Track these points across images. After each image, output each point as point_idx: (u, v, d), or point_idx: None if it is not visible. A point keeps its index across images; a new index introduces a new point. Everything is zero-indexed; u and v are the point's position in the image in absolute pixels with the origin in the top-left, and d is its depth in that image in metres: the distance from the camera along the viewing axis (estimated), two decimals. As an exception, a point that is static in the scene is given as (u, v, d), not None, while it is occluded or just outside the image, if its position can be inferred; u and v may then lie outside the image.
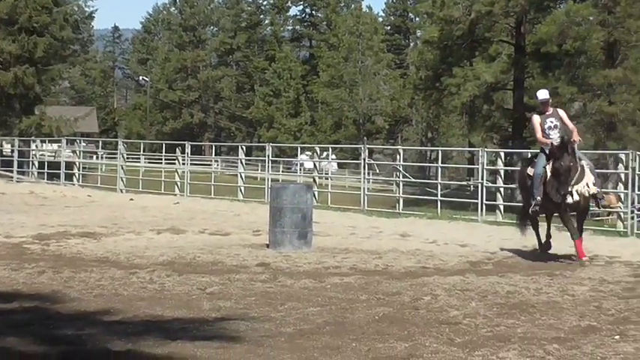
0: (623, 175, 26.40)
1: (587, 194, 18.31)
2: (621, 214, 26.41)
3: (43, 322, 11.56)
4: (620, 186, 26.92)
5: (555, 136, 18.65)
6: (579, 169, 18.22)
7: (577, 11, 54.79)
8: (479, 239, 23.01)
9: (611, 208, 28.52)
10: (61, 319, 11.58)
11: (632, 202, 25.62)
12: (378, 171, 57.72)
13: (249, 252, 19.68)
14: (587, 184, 18.23)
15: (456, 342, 10.53)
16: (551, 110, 19.17)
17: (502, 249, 21.00)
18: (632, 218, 25.40)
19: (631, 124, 52.44)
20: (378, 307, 12.86)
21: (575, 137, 18.62)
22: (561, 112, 19.43)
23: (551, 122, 19.00)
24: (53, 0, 64.70)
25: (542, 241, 19.85)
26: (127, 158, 47.42)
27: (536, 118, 19.30)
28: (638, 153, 26.28)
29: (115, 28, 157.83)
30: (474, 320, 11.89)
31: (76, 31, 69.24)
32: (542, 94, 19.29)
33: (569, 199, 18.20)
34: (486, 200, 29.45)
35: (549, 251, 19.67)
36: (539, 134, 19.11)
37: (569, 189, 18.08)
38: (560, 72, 57.51)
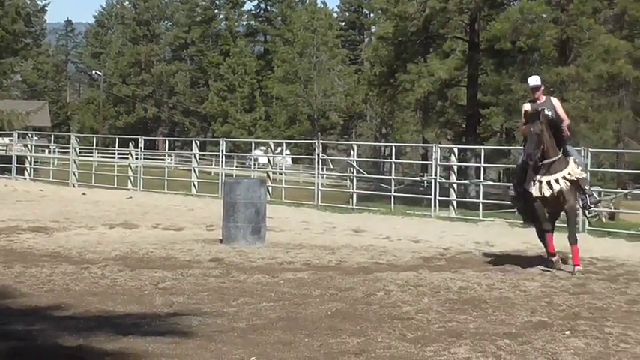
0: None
1: (558, 186, 16.44)
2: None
3: (-7, 318, 11.50)
4: (572, 182, 27.04)
5: (565, 130, 17.20)
6: (559, 159, 16.60)
7: (530, 9, 55.02)
8: (432, 235, 23.07)
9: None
10: (12, 315, 11.52)
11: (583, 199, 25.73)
12: (332, 166, 57.94)
13: (203, 247, 19.65)
14: (562, 176, 16.51)
15: (408, 337, 10.57)
16: (543, 99, 17.26)
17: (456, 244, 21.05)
18: (584, 214, 25.54)
19: (583, 121, 52.73)
20: (330, 303, 12.87)
21: (565, 130, 17.11)
22: (555, 102, 17.46)
23: (542, 110, 16.97)
24: (5, -7, 64.29)
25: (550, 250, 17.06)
26: (80, 153, 47.21)
27: (525, 107, 17.33)
28: (590, 150, 26.47)
29: (68, 22, 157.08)
30: (426, 316, 11.93)
31: (29, 24, 68.94)
32: (533, 80, 17.50)
33: (532, 190, 16.61)
34: (440, 196, 29.51)
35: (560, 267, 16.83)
36: (525, 126, 17.01)
37: (539, 177, 16.54)
38: (514, 69, 57.77)
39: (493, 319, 11.72)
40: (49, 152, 60.66)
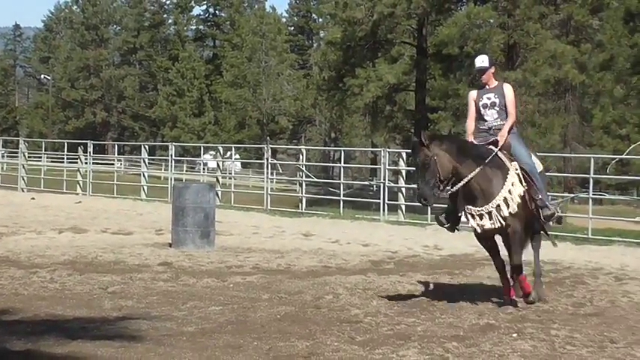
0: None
1: (482, 221, 12.80)
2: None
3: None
4: (519, 186, 27.24)
5: (492, 119, 13.33)
6: (490, 183, 12.72)
7: (477, 14, 55.23)
8: (381, 239, 23.16)
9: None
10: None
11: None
12: (281, 171, 57.81)
13: (152, 251, 19.60)
14: (497, 206, 12.62)
15: (356, 340, 10.58)
16: (494, 84, 13.55)
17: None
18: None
19: (530, 126, 53.00)
20: (280, 306, 12.88)
21: (501, 136, 13.09)
22: (507, 89, 13.51)
23: (488, 99, 13.39)
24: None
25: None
26: (29, 157, 46.94)
27: (471, 95, 13.70)
28: (537, 154, 26.61)
29: (16, 26, 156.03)
30: (374, 319, 11.95)
31: (-23, 28, 68.54)
32: (479, 61, 13.65)
33: (470, 222, 13.00)
34: (388, 200, 29.63)
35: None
36: (468, 118, 13.68)
37: (464, 209, 12.93)
38: (462, 73, 57.88)
39: (441, 322, 11.76)
40: (-2, 157, 60.29)
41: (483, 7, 55.76)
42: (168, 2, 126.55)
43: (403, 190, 30.66)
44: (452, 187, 12.89)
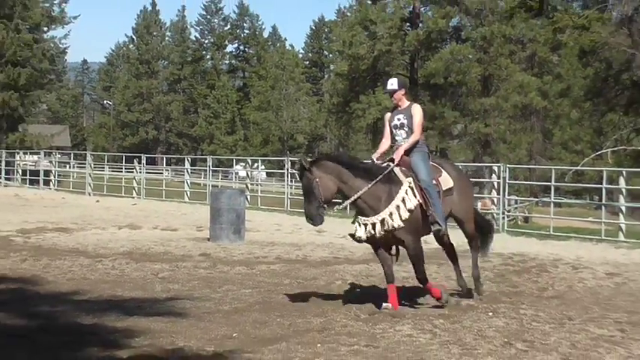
0: (496, 184, 26.68)
1: (365, 230, 11.30)
2: (494, 214, 26.65)
3: (25, 300, 11.46)
4: (494, 192, 27.23)
5: (400, 139, 11.78)
6: (378, 200, 11.19)
7: (459, 51, 55.28)
8: (380, 234, 23.08)
9: (487, 210, 28.77)
10: (40, 298, 11.49)
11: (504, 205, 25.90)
12: (298, 179, 57.72)
13: (193, 244, 19.62)
14: (395, 208, 11.12)
15: (361, 318, 10.59)
16: (405, 105, 11.96)
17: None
18: (503, 217, 25.67)
19: (502, 142, 53.04)
20: (298, 290, 12.87)
21: (397, 154, 11.59)
22: (415, 110, 11.86)
23: (398, 120, 11.90)
24: (34, 38, 64.33)
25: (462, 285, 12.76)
26: (94, 167, 46.98)
27: (385, 116, 12.22)
28: (507, 166, 26.67)
29: (84, 61, 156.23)
30: (376, 300, 11.93)
31: (52, 63, 68.78)
32: (389, 84, 12.14)
33: (357, 231, 11.46)
34: (386, 203, 29.53)
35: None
36: (383, 138, 12.13)
37: (363, 220, 11.28)
38: (446, 99, 57.95)
39: (429, 303, 11.74)
40: (69, 167, 60.24)
41: (463, 46, 55.94)
42: (206, 41, 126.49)
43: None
44: (340, 205, 11.89)
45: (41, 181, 46.12)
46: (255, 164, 53.80)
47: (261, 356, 8.38)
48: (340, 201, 11.71)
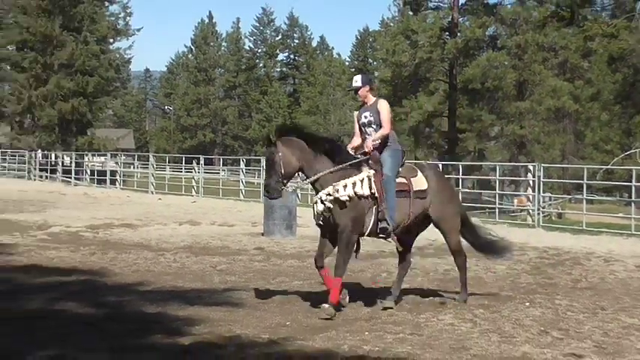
0: (531, 182, 26.53)
1: (322, 204, 10.34)
2: (530, 210, 26.45)
3: (93, 291, 11.52)
4: (529, 190, 27.06)
5: (370, 138, 10.77)
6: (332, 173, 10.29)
7: (495, 58, 55.05)
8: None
9: (523, 207, 28.57)
10: (107, 289, 11.56)
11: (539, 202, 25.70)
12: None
13: (249, 239, 19.66)
14: (327, 193, 10.24)
15: (406, 307, 10.56)
16: (372, 101, 10.97)
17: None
18: (539, 214, 25.46)
19: (537, 143, 52.65)
20: (346, 281, 12.84)
21: (366, 145, 10.70)
22: (382, 105, 10.89)
23: (365, 117, 10.99)
24: (101, 49, 65.13)
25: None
26: (156, 168, 47.31)
27: (355, 115, 11.41)
28: (542, 165, 26.43)
29: (147, 70, 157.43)
30: (419, 291, 11.89)
31: (118, 72, 69.52)
32: (353, 81, 11.18)
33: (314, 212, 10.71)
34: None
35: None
36: (354, 136, 11.20)
37: (320, 195, 10.36)
38: (483, 103, 57.74)
39: (470, 294, 11.66)
40: (133, 168, 60.74)
41: (499, 53, 55.70)
42: (259, 50, 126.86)
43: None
44: (300, 184, 10.91)
45: (108, 181, 46.64)
46: (305, 164, 53.72)
47: (312, 343, 8.36)
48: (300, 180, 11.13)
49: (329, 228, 10.51)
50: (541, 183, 25.69)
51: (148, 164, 47.27)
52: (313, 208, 10.60)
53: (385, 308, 10.44)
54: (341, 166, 10.30)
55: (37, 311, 9.89)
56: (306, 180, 10.71)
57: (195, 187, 40.61)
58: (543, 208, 25.78)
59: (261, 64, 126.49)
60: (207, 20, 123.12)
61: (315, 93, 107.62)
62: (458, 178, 32.51)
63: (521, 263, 15.48)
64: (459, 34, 58.58)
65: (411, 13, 62.97)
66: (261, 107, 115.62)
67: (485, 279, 13.23)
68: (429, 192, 10.82)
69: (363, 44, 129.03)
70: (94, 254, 15.81)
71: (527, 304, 10.80)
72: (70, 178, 48.70)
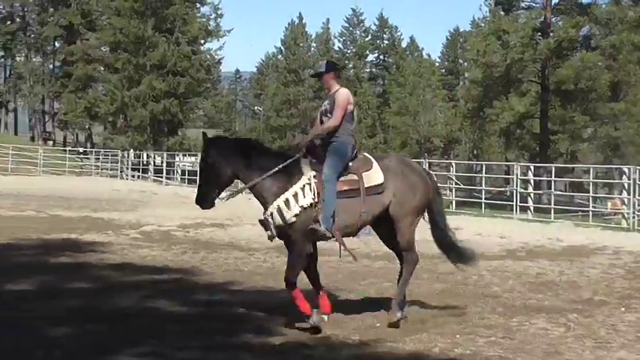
0: (626, 184, 26.05)
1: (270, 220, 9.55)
2: (625, 214, 25.97)
3: (184, 289, 11.66)
4: (624, 193, 26.59)
5: (311, 131, 10.36)
6: (269, 192, 9.44)
7: (589, 58, 54.36)
8: (514, 233, 22.71)
9: (617, 210, 28.11)
10: (198, 288, 11.70)
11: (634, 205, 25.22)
12: (435, 179, 57.42)
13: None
14: (284, 202, 9.32)
15: (497, 311, 10.44)
16: (335, 88, 9.76)
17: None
18: (634, 217, 24.99)
19: (631, 145, 51.74)
20: (437, 284, 12.80)
21: (303, 137, 10.13)
22: (338, 94, 9.67)
23: (324, 107, 9.95)
24: (192, 50, 65.99)
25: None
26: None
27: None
28: (637, 167, 25.90)
29: (237, 71, 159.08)
30: (511, 294, 11.79)
31: (208, 73, 70.35)
32: (317, 66, 10.60)
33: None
34: (520, 202, 29.11)
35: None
36: (314, 125, 10.25)
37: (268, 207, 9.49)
38: (576, 105, 57.05)
39: (564, 298, 11.50)
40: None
41: (593, 54, 54.97)
42: (348, 51, 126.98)
43: (531, 195, 30.20)
44: (232, 195, 10.14)
45: (198, 181, 47.17)
46: (395, 166, 53.73)
47: (402, 345, 8.34)
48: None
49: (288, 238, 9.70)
50: (636, 186, 25.20)
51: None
52: (263, 226, 9.69)
53: (391, 325, 9.38)
54: (272, 171, 9.35)
55: (131, 309, 10.06)
56: (235, 191, 10.13)
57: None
58: (639, 211, 25.26)
59: (350, 65, 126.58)
60: (297, 21, 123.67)
61: (404, 94, 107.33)
62: (550, 180, 32.10)
63: (616, 268, 15.19)
64: (551, 34, 57.92)
65: (502, 13, 62.49)
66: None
67: (579, 283, 13.01)
68: (387, 186, 9.64)
69: (453, 45, 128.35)
70: (185, 253, 16.02)
71: (623, 309, 10.61)
72: (162, 177, 49.38)
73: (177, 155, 54.90)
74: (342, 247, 10.16)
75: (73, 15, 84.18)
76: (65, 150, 69.57)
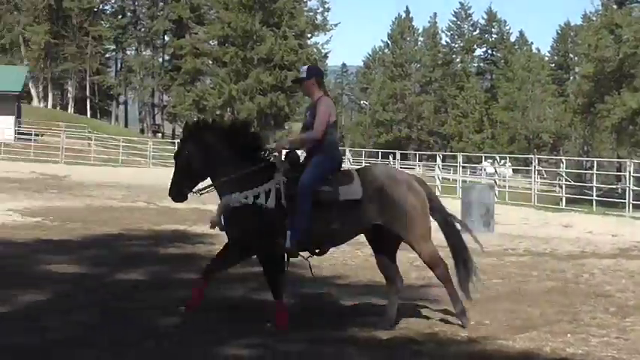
0: None
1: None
2: None
3: (291, 282, 11.70)
4: None
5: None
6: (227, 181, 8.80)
7: None
8: (627, 231, 22.24)
9: None
10: (304, 281, 11.70)
11: None
12: (544, 176, 56.48)
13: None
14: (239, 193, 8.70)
15: (609, 310, 10.21)
16: (317, 97, 9.17)
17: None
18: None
19: None
20: (546, 282, 12.58)
21: (277, 144, 9.19)
22: (319, 104, 9.08)
23: (307, 117, 9.32)
24: (299, 44, 66.43)
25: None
26: (352, 163, 47.83)
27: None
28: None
29: (343, 65, 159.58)
30: (624, 294, 11.52)
31: (315, 66, 70.84)
32: (301, 71, 9.44)
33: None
34: (633, 200, 28.50)
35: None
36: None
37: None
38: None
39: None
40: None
41: None
42: (456, 45, 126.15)
43: (646, 192, 29.64)
44: (204, 190, 9.07)
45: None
46: (502, 161, 53.21)
47: (512, 343, 8.23)
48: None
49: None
50: None
51: (344, 159, 47.86)
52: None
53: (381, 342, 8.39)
54: (245, 171, 8.76)
55: (238, 300, 10.16)
56: (207, 187, 9.12)
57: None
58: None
59: (457, 59, 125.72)
60: (404, 15, 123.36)
61: (512, 89, 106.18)
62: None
63: None
64: (667, 27, 56.50)
65: (615, 6, 61.27)
66: (457, 103, 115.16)
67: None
68: (367, 200, 8.85)
69: (563, 39, 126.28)
70: (291, 246, 16.10)
71: None
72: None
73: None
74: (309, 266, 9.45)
75: (183, 9, 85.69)
76: (174, 142, 70.69)
